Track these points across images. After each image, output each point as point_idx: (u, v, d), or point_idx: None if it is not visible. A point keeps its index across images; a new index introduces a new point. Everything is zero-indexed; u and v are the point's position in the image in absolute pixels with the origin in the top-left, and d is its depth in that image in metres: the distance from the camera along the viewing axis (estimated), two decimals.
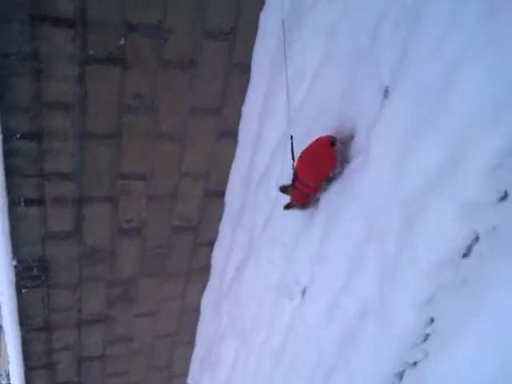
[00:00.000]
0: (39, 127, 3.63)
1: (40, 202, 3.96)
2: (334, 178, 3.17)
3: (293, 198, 3.30)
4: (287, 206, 3.32)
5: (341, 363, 2.91)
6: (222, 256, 4.69)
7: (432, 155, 2.32)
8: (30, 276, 4.23)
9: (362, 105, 2.91)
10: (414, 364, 2.41)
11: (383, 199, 2.65)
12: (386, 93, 2.75)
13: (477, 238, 2.12)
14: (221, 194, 4.46)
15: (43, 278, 4.38)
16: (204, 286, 5.04)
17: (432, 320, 2.31)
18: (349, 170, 3.04)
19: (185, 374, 5.66)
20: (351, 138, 3.04)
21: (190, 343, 5.41)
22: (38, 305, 4.44)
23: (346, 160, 3.05)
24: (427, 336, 2.33)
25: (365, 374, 2.69)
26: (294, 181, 3.22)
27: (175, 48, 3.65)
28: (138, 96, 3.72)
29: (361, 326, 2.74)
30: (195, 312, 5.18)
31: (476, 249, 2.13)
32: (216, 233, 4.69)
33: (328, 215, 3.19)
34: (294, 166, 3.20)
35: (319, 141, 3.12)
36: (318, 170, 3.18)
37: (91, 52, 3.47)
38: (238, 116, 4.07)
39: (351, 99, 3.02)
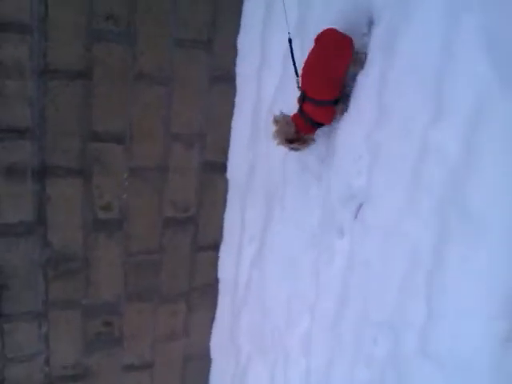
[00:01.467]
0: None
1: None
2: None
3: (300, 130, 2.51)
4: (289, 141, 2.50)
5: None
6: (230, 261, 3.61)
7: None
8: None
9: None
10: None
11: None
12: None
13: None
14: (222, 168, 3.54)
15: None
16: (212, 317, 3.83)
17: None
18: None
19: None
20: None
21: None
22: None
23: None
24: None
25: None
26: (301, 104, 2.47)
27: None
28: (110, 18, 3.01)
29: None
30: (204, 359, 3.88)
31: None
32: (220, 228, 3.66)
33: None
34: (298, 82, 2.49)
35: (325, 32, 2.42)
36: (331, 75, 2.42)
37: None
38: (234, 53, 3.35)
39: None
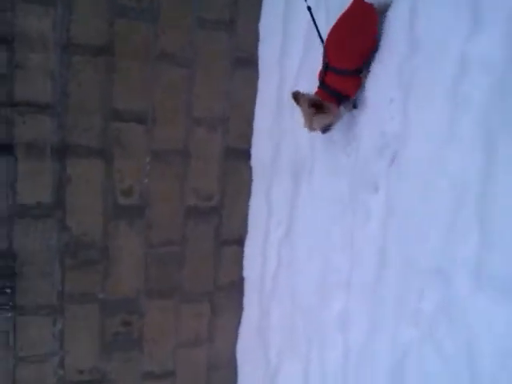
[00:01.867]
0: (9, 28, 2.84)
1: (7, 147, 2.91)
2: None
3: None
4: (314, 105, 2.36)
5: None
6: (256, 256, 3.39)
7: None
8: None
9: None
10: None
11: None
12: None
13: None
14: (246, 155, 3.42)
15: (8, 292, 3.00)
16: (237, 322, 3.55)
17: None
18: None
19: None
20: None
21: None
22: None
23: None
24: None
25: None
26: (323, 77, 2.41)
27: None
28: None
29: None
30: (230, 367, 3.55)
31: None
32: (245, 221, 3.48)
33: None
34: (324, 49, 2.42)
35: (354, 2, 2.41)
36: (358, 45, 2.38)
37: None
38: (256, 35, 3.35)
39: None
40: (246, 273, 3.48)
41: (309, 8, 2.51)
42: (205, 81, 3.26)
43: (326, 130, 2.50)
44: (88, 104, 3.04)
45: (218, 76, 3.29)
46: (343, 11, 2.41)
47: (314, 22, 2.49)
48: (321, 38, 2.47)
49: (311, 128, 2.45)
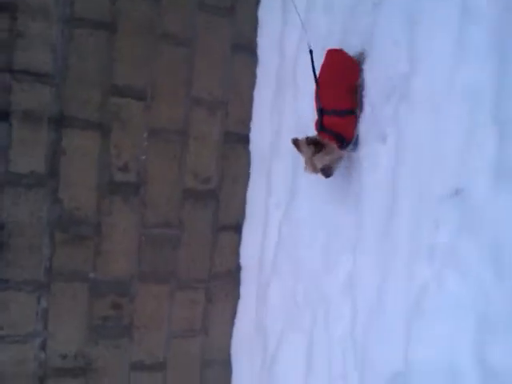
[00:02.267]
0: None
1: (4, 114, 2.88)
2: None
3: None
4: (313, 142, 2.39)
5: None
6: (254, 242, 3.30)
7: None
8: None
9: None
10: None
11: None
12: None
13: None
14: (244, 140, 3.39)
15: None
16: (232, 314, 3.39)
17: None
18: None
19: None
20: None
21: None
22: None
23: None
24: None
25: None
26: (320, 119, 2.49)
27: None
28: None
29: None
30: (225, 362, 3.35)
31: None
32: (243, 207, 3.40)
33: None
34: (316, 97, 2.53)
35: (330, 52, 2.60)
36: (342, 83, 2.52)
37: None
38: (255, 22, 3.41)
39: None
40: (243, 261, 3.36)
41: (311, 51, 2.55)
42: (205, 63, 3.28)
43: (328, 172, 2.47)
44: (88, 77, 3.02)
45: (218, 59, 3.31)
46: (321, 64, 2.55)
47: (313, 65, 2.54)
48: (316, 80, 2.53)
49: (313, 169, 2.43)
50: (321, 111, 2.46)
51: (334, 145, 2.40)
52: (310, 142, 2.37)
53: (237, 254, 3.37)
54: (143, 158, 3.14)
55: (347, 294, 2.52)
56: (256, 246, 3.25)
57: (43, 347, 2.96)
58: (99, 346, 3.08)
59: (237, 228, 3.37)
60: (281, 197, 3.08)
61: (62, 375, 3.01)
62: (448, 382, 1.82)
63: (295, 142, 2.44)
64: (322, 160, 2.39)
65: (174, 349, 3.24)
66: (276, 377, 2.89)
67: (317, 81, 2.51)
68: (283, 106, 3.21)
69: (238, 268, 3.37)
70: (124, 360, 3.14)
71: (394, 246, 2.23)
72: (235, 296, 3.37)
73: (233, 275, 3.37)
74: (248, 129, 3.38)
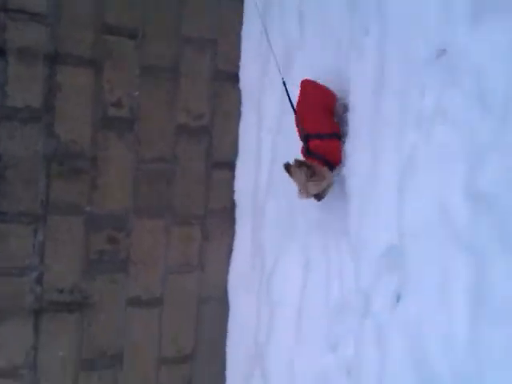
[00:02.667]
0: None
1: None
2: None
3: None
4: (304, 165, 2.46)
5: None
6: (249, 175, 3.34)
7: None
8: None
9: None
10: None
11: None
12: None
13: None
14: (234, 78, 3.45)
15: None
16: (229, 249, 3.41)
17: None
18: None
19: None
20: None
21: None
22: None
23: None
24: None
25: None
26: (306, 145, 2.57)
27: None
28: None
29: None
30: (221, 295, 3.36)
31: None
32: (235, 144, 3.44)
33: None
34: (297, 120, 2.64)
35: (304, 82, 2.70)
36: (320, 108, 2.61)
37: None
38: None
39: None
40: (237, 196, 3.39)
41: (284, 83, 2.69)
42: (194, 4, 3.35)
43: (321, 196, 2.54)
44: (80, 17, 3.07)
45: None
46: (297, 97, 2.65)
47: (288, 96, 2.65)
48: (294, 109, 2.62)
49: (306, 194, 2.47)
50: (305, 137, 2.52)
51: (323, 167, 2.45)
52: (301, 164, 2.41)
53: (232, 192, 3.39)
54: (136, 93, 3.18)
55: None
56: (250, 181, 3.28)
57: (39, 281, 2.94)
58: (96, 281, 3.07)
59: (230, 166, 3.41)
60: (272, 123, 3.13)
61: (58, 310, 2.99)
62: (441, 225, 1.84)
63: (287, 166, 2.46)
64: (317, 187, 2.44)
65: (170, 284, 3.24)
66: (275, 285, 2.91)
67: (294, 109, 2.59)
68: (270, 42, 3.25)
69: (233, 205, 3.39)
70: (121, 295, 3.13)
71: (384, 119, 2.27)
72: (231, 234, 3.38)
73: (228, 212, 3.39)
74: (237, 68, 3.44)
